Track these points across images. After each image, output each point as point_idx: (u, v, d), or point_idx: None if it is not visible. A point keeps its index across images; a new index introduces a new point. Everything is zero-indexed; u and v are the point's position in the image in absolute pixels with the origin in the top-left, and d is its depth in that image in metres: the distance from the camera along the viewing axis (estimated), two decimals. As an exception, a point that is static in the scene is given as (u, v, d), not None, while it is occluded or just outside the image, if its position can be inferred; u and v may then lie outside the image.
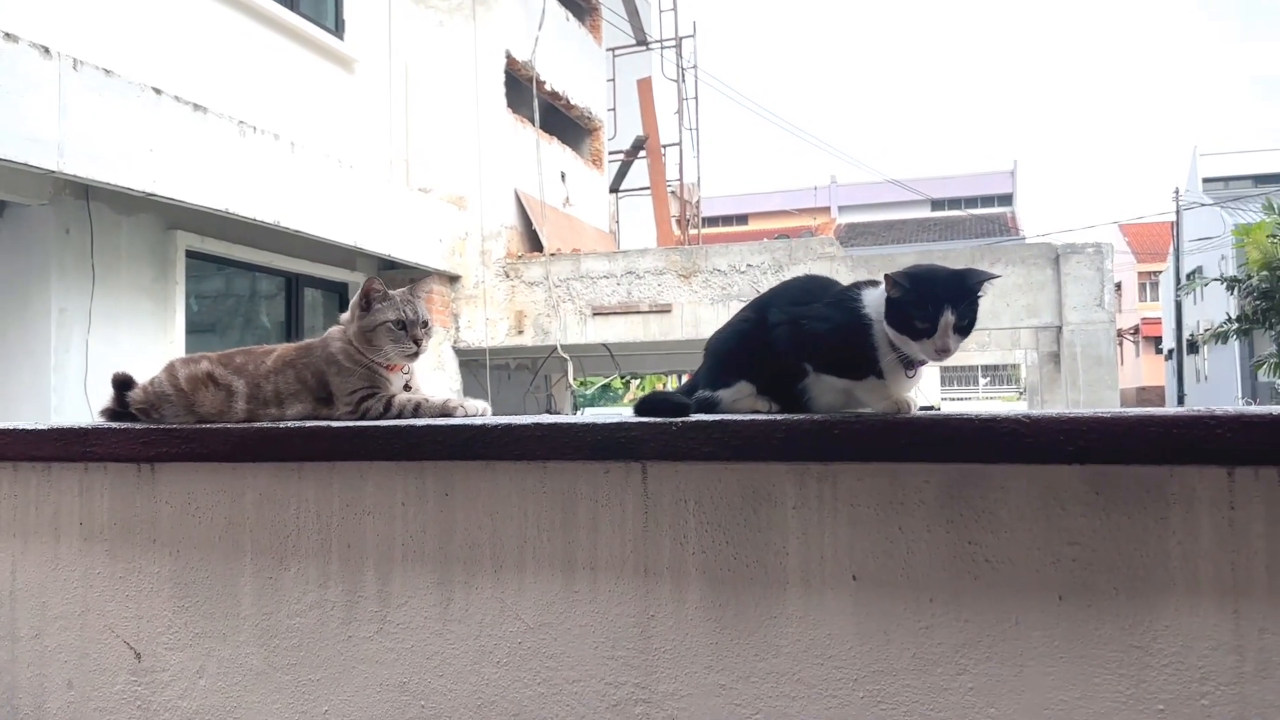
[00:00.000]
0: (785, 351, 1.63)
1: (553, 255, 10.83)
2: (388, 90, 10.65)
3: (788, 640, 1.58)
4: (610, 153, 15.16)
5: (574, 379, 12.45)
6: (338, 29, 9.82)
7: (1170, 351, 31.62)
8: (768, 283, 9.60)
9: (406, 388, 2.00)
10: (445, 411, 1.94)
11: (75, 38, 6.61)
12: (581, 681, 1.69)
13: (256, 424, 1.95)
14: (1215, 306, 25.43)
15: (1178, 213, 27.10)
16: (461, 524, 1.79)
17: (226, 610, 1.95)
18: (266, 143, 7.81)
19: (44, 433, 2.10)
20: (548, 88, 12.43)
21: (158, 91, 6.80)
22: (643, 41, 16.18)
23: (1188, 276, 26.20)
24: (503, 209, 11.06)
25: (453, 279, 10.60)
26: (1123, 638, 1.43)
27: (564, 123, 13.82)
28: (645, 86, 14.99)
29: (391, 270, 9.95)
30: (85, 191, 6.87)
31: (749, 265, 9.78)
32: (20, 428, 2.12)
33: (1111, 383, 9.24)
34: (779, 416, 1.60)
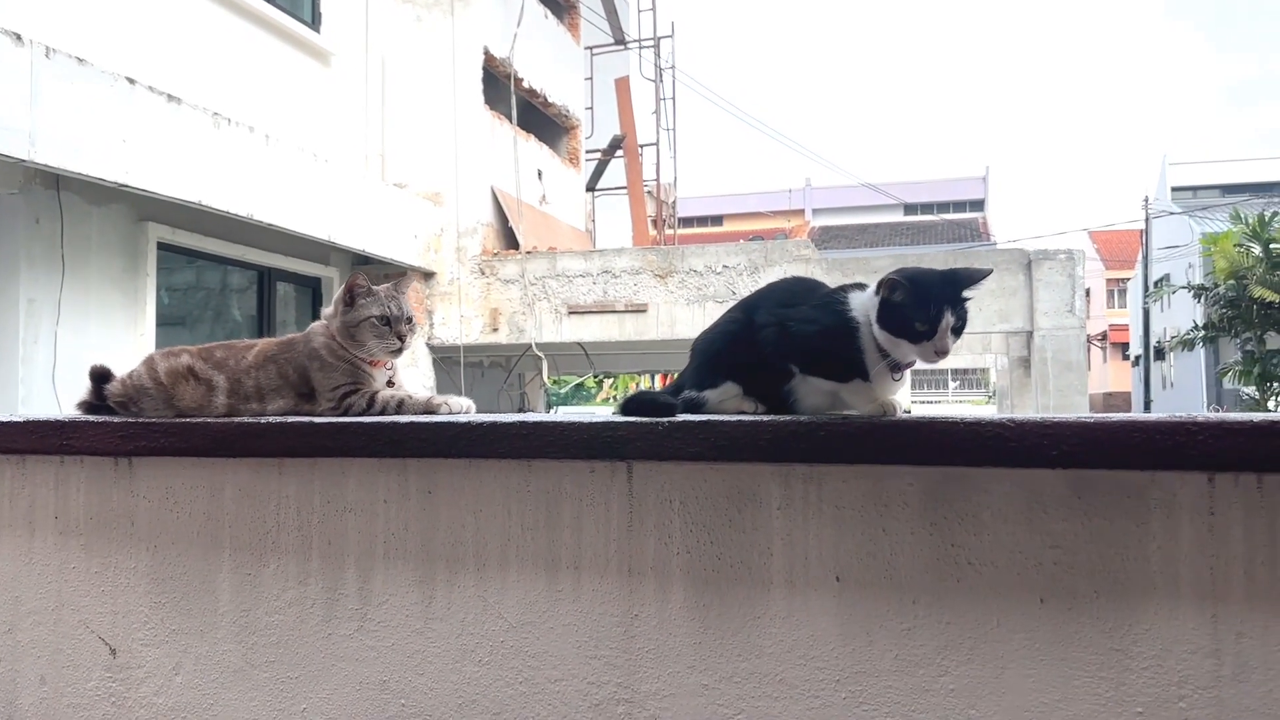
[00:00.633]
0: (772, 353, 1.64)
1: (529, 253, 10.81)
2: (364, 84, 10.59)
3: (771, 641, 1.59)
4: (587, 151, 15.15)
5: (548, 378, 12.42)
6: (314, 22, 9.74)
7: (1137, 358, 32.02)
8: (744, 284, 9.63)
9: (390, 384, 1.99)
10: (429, 409, 1.93)
11: (48, 25, 6.52)
12: (564, 681, 1.69)
13: (237, 419, 1.93)
14: (1182, 314, 25.77)
15: (1147, 221, 27.45)
16: (444, 522, 1.79)
17: (204, 606, 1.93)
18: (241, 135, 7.74)
19: (19, 424, 2.07)
20: (525, 85, 12.39)
21: (131, 81, 6.72)
22: (621, 41, 16.17)
23: (1155, 284, 26.55)
24: (479, 206, 11.02)
25: (428, 275, 10.55)
26: (1103, 641, 1.45)
27: (541, 120, 13.79)
28: (623, 86, 14.99)
29: (366, 266, 9.89)
30: (56, 181, 6.78)
31: (725, 266, 9.81)
32: (-7, 420, 2.09)
33: (1081, 388, 9.35)
34: (765, 418, 1.61)
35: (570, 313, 10.19)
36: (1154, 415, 1.46)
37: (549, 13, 13.52)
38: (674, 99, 16.05)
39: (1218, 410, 18.73)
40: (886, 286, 1.50)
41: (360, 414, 1.91)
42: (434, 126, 10.68)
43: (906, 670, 1.53)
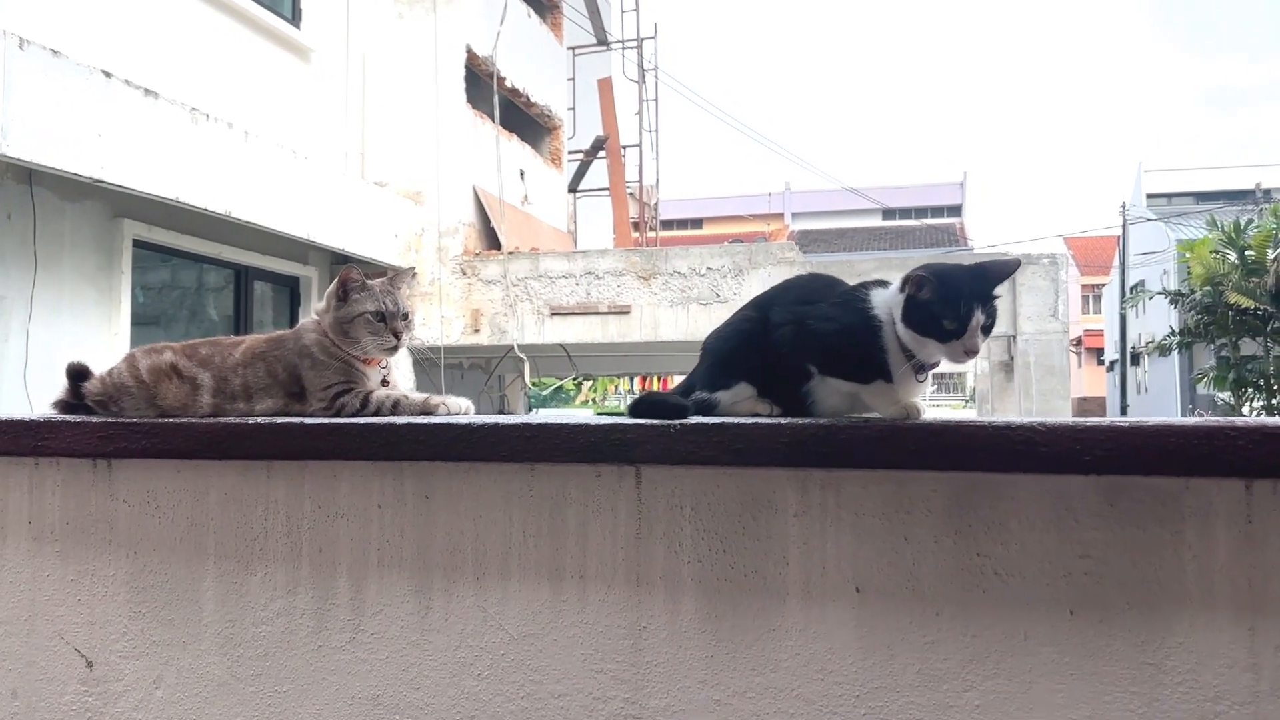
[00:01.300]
0: (789, 353, 1.57)
1: (511, 253, 10.71)
2: (345, 81, 10.46)
3: (787, 654, 1.52)
4: (570, 152, 15.07)
5: (530, 379, 12.33)
6: (294, 17, 9.61)
7: (1113, 363, 32.26)
8: (728, 286, 9.58)
9: (384, 383, 1.90)
10: (426, 409, 1.84)
11: (22, 17, 6.37)
12: (568, 696, 1.61)
13: (223, 419, 1.84)
14: (1156, 320, 25.99)
15: (1124, 227, 27.65)
16: (442, 528, 1.70)
17: (187, 617, 1.83)
18: (219, 131, 7.61)
19: (-10, 425, 1.97)
20: (508, 84, 12.30)
21: (107, 74, 6.59)
22: (603, 41, 16.10)
23: (1132, 289, 26.76)
24: (460, 205, 10.92)
25: (408, 275, 10.41)
26: (1135, 654, 1.39)
27: (524, 120, 13.70)
28: (606, 86, 14.92)
29: (345, 265, 9.76)
30: (29, 176, 6.63)
31: (709, 268, 9.75)
32: (-36, 419, 1.99)
33: (1064, 393, 9.37)
34: (783, 420, 1.54)
35: (553, 314, 10.11)
36: (1190, 419, 1.40)
37: (532, 12, 13.44)
38: (656, 100, 16.00)
39: (1202, 414, 18.89)
40: (913, 283, 1.43)
41: (353, 414, 1.82)
42: (415, 125, 10.57)
43: (929, 685, 1.46)
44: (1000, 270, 1.45)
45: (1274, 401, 17.28)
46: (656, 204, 16.99)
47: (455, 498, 1.70)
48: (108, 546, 1.89)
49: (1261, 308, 16.93)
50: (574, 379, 20.53)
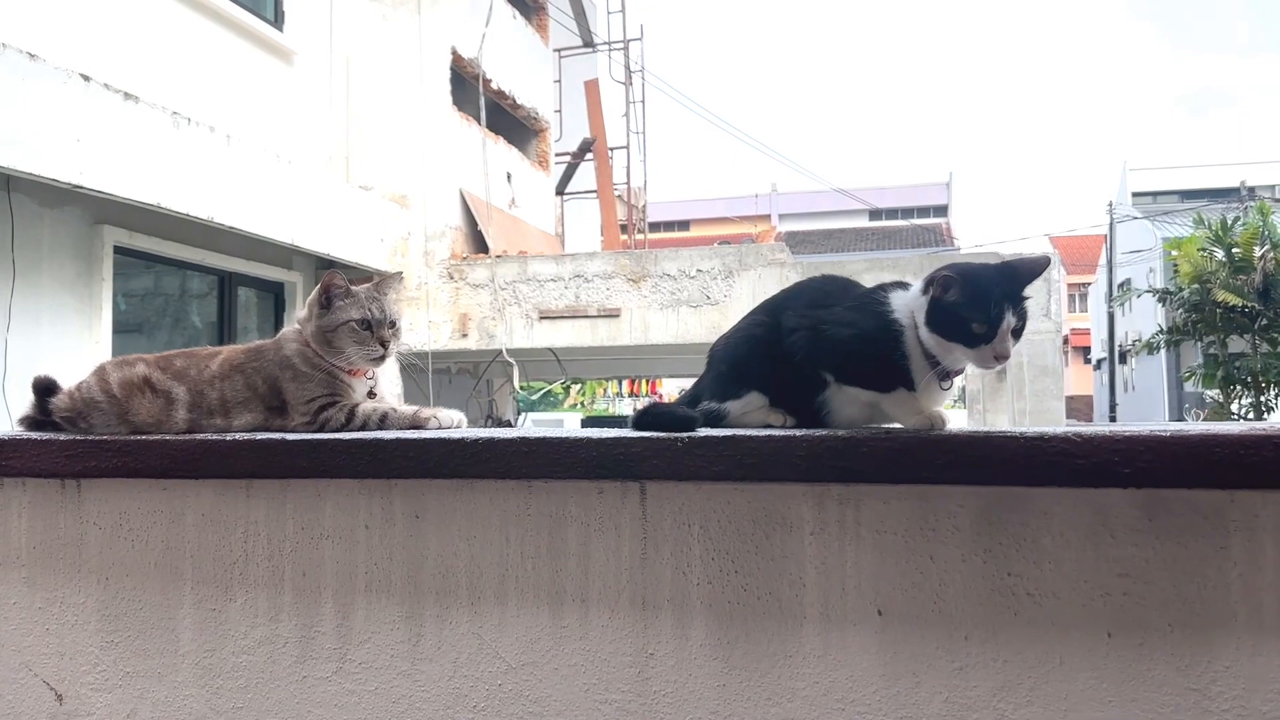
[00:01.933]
0: (803, 360, 1.47)
1: (499, 257, 10.59)
2: (328, 84, 10.32)
3: (804, 682, 1.42)
4: (557, 154, 14.95)
5: (519, 384, 12.21)
6: (277, 20, 9.48)
7: (1099, 361, 32.31)
8: (718, 288, 9.49)
9: (371, 395, 1.80)
10: (416, 423, 1.74)
11: (-3, 19, 6.24)
12: (570, 727, 1.51)
13: (199, 436, 1.73)
14: (1143, 318, 26.03)
15: (1111, 225, 27.68)
16: (434, 550, 1.60)
17: (163, 646, 1.72)
18: (201, 135, 7.48)
19: (-48, 444, 1.85)
20: (494, 86, 12.18)
21: (86, 78, 6.45)
22: (589, 43, 16.01)
23: (1119, 288, 26.78)
24: (447, 209, 10.79)
25: (394, 280, 10.27)
26: (1178, 680, 1.30)
27: (510, 123, 13.58)
28: (593, 88, 14.82)
29: (330, 270, 9.61)
30: (6, 182, 6.49)
31: (699, 270, 9.65)
32: (-76, 437, 1.87)
33: (1057, 393, 9.30)
34: (798, 432, 1.44)
35: (541, 318, 9.99)
36: (1235, 428, 1.31)
37: (517, 13, 13.32)
38: (643, 102, 15.92)
39: (1199, 414, 18.89)
40: (939, 284, 1.33)
41: (338, 429, 1.72)
42: (400, 127, 10.44)
43: (958, 714, 1.37)
44: (1031, 268, 1.36)
45: (1263, 399, 17.29)
46: (644, 206, 16.90)
47: (448, 517, 1.60)
48: (77, 572, 1.78)
49: (1249, 305, 16.93)
50: (562, 383, 20.44)
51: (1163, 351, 21.38)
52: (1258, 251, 17.19)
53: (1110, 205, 28.03)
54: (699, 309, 9.52)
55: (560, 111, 15.22)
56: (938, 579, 1.39)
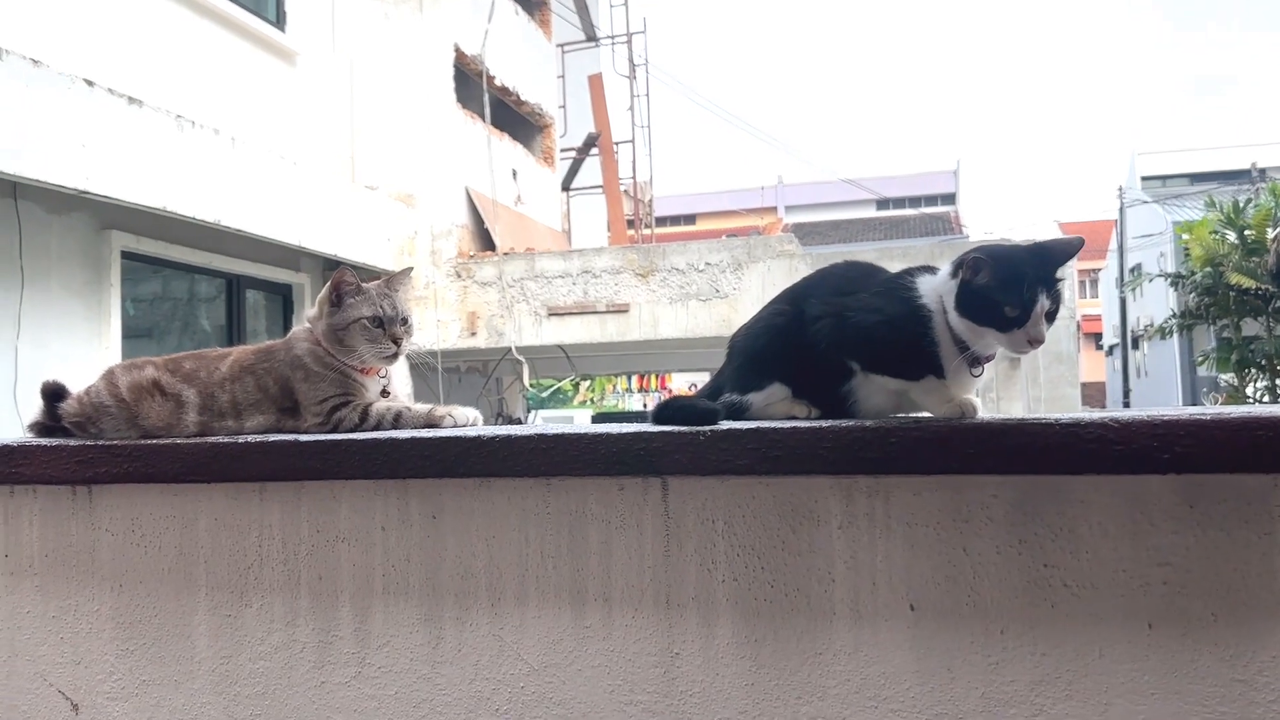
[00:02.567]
0: (828, 349, 1.43)
1: (506, 254, 10.56)
2: (332, 84, 10.30)
3: (835, 680, 1.39)
4: (562, 150, 14.93)
5: (528, 381, 12.18)
6: (279, 20, 9.46)
7: (1111, 347, 32.14)
8: (727, 281, 9.44)
9: (384, 394, 1.76)
10: (431, 422, 1.70)
11: (1, 26, 6.22)
12: (595, 730, 1.47)
13: (210, 439, 1.70)
14: (1154, 303, 25.87)
15: (1121, 210, 27.50)
16: (452, 551, 1.57)
17: (178, 653, 1.69)
18: (206, 138, 7.46)
19: (-39, 452, 1.82)
20: (498, 83, 12.15)
21: (90, 83, 6.44)
22: (592, 37, 15.96)
23: (1131, 272, 26.62)
24: (453, 207, 10.77)
25: (402, 280, 10.24)
26: (1223, 670, 1.26)
27: (515, 119, 13.55)
28: (596, 83, 14.77)
29: (338, 268, 9.60)
30: (13, 189, 6.48)
31: (708, 263, 9.61)
32: (-67, 446, 1.84)
33: (1072, 379, 9.24)
34: (824, 423, 1.40)
35: (550, 314, 9.96)
36: (1276, 409, 1.26)
37: (520, 9, 13.28)
38: (648, 96, 15.87)
39: (1216, 397, 18.75)
40: (969, 267, 1.29)
41: (352, 430, 1.68)
42: (405, 126, 10.42)
43: (995, 710, 1.33)
44: (1064, 250, 1.31)
45: (1278, 381, 17.16)
46: (651, 200, 16.86)
47: (465, 517, 1.56)
48: (90, 579, 1.75)
49: (1263, 287, 16.76)
50: (572, 380, 20.38)
51: (1175, 336, 21.24)
52: (1271, 233, 17.04)
53: (1120, 190, 27.85)
54: (708, 302, 9.48)
55: (564, 107, 15.18)
56: (971, 572, 1.35)
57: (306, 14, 9.82)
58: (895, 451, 1.35)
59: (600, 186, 15.11)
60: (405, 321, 1.73)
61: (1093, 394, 34.64)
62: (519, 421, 12.81)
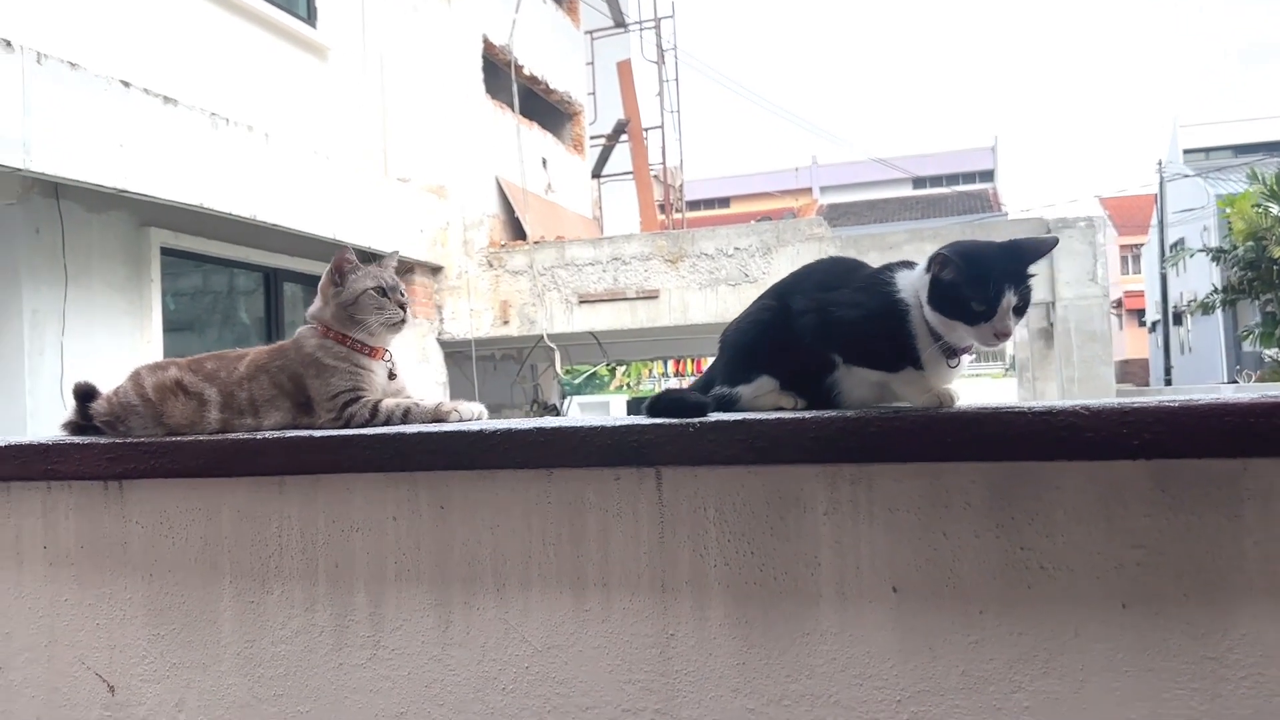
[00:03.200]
0: (812, 342, 1.49)
1: (536, 243, 10.65)
2: (363, 78, 10.41)
3: (822, 659, 1.45)
4: (591, 137, 14.97)
5: (561, 368, 12.29)
6: (310, 17, 9.57)
7: (1154, 324, 31.67)
8: (756, 265, 9.46)
9: (391, 376, 1.85)
10: (438, 416, 1.78)
11: (39, 30, 6.38)
12: (596, 708, 1.55)
13: (231, 435, 1.79)
14: (1198, 278, 25.44)
15: (1161, 184, 27.06)
16: (460, 539, 1.64)
17: (206, 638, 1.79)
18: (240, 135, 7.60)
19: (2, 450, 1.93)
20: (526, 72, 12.22)
21: (126, 84, 6.58)
22: (621, 23, 15.96)
23: (1172, 248, 26.20)
24: (484, 197, 10.87)
25: (435, 270, 10.40)
26: (1194, 649, 1.30)
27: (544, 108, 13.61)
28: (625, 69, 14.79)
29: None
30: (55, 189, 6.66)
31: (736, 248, 9.63)
32: (-24, 445, 1.96)
33: (1106, 358, 9.16)
34: (808, 414, 1.46)
35: (581, 302, 10.04)
36: (1246, 396, 1.30)
37: (547, -2, 13.33)
38: (677, 80, 15.85)
39: (1249, 375, 18.46)
40: (937, 263, 1.34)
41: (363, 425, 1.77)
42: (435, 118, 10.51)
43: (975, 688, 1.38)
44: (1035, 248, 1.36)
45: (1323, 356, 16.86)
46: (681, 185, 16.86)
47: (471, 507, 1.64)
48: (124, 569, 1.85)
49: (1307, 261, 16.49)
50: (607, 365, 20.51)
51: (1219, 311, 20.92)
52: (1315, 205, 16.73)
53: (1160, 164, 27.38)
54: (737, 287, 9.50)
55: (594, 94, 15.22)
56: (951, 555, 1.40)
57: (337, 9, 9.94)
58: (876, 441, 1.41)
59: (630, 173, 15.15)
60: (403, 291, 1.85)
61: (1135, 371, 34.17)
62: (555, 408, 12.93)
